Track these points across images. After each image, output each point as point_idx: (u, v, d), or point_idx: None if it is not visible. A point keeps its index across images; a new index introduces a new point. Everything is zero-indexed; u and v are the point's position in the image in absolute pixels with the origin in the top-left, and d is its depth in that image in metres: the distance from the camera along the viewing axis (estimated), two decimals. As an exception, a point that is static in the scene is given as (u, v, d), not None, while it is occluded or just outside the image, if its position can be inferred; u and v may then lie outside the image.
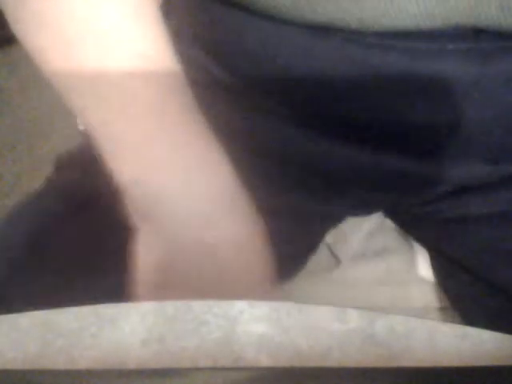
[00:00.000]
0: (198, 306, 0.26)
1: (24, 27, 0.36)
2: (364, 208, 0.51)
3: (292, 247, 0.49)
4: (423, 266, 0.51)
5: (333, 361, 0.24)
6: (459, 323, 0.26)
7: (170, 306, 0.26)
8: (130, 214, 0.35)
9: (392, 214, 0.54)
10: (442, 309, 0.50)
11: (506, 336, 0.25)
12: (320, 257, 0.52)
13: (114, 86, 0.34)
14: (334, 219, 0.52)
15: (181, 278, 0.34)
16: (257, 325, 0.25)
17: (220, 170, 0.36)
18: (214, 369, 0.24)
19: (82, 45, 0.34)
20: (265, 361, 0.24)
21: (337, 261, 0.52)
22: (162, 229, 0.34)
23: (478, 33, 0.37)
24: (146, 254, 0.35)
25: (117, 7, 0.34)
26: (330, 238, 0.53)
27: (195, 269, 0.34)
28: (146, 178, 0.34)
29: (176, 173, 0.34)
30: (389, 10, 0.36)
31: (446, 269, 0.50)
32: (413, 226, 0.53)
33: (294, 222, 0.48)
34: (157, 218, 0.34)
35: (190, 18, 0.48)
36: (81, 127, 0.42)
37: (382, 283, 0.51)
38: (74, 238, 0.41)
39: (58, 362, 0.24)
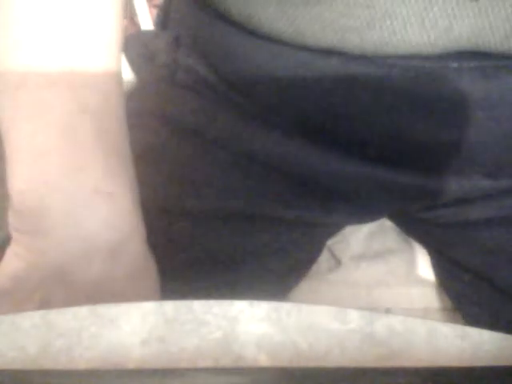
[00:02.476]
0: (198, 305, 0.26)
1: None
2: (366, 216, 0.51)
3: (294, 257, 0.48)
4: (423, 266, 0.51)
5: (333, 361, 0.24)
6: (459, 324, 0.26)
7: (170, 306, 0.26)
8: (10, 221, 0.34)
9: (394, 217, 0.54)
10: (443, 309, 0.50)
11: (506, 336, 0.25)
12: (320, 258, 0.52)
13: (35, 92, 0.33)
14: (336, 227, 0.52)
15: (26, 294, 0.33)
16: (257, 325, 0.25)
17: (112, 207, 0.34)
18: (214, 369, 0.24)
19: (16, 45, 0.34)
20: (265, 361, 0.24)
21: (337, 261, 0.52)
22: (33, 245, 0.33)
23: (481, 53, 0.37)
24: (6, 261, 0.34)
25: (64, 16, 0.34)
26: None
27: (46, 294, 0.33)
28: (34, 192, 0.33)
29: (64, 196, 0.33)
30: (392, 40, 0.36)
31: (448, 269, 0.50)
32: (414, 228, 0.53)
33: (297, 233, 0.48)
34: (33, 233, 0.33)
35: (189, 29, 0.48)
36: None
37: (382, 283, 0.51)
38: None
39: (58, 361, 0.24)
